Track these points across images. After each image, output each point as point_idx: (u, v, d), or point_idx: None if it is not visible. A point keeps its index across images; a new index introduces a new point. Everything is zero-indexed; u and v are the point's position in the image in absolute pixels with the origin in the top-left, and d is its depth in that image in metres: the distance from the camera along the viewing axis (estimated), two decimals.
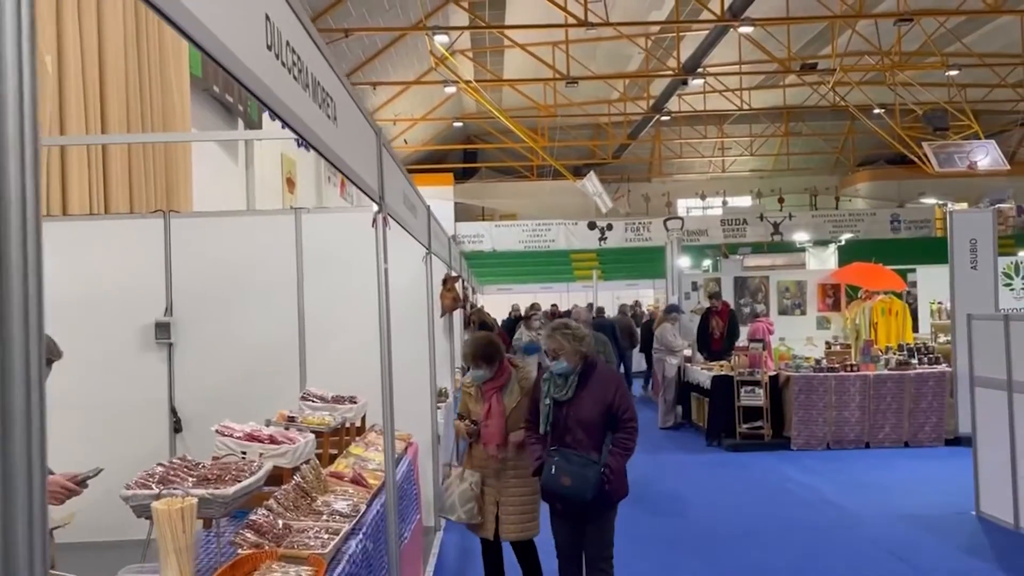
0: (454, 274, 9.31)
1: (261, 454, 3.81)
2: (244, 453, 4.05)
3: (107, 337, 6.32)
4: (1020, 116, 28.26)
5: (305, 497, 3.75)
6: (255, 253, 6.53)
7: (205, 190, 10.57)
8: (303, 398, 5.56)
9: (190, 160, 9.53)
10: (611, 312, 19.94)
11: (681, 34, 21.93)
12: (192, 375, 6.39)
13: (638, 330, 15.83)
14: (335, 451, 5.03)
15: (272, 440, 3.93)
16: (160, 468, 3.30)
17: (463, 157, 35.92)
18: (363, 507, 3.82)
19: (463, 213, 34.94)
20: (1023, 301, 11.50)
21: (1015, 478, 6.57)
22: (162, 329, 6.32)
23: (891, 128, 25.11)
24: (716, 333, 11.40)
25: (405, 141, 30.61)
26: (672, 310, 12.00)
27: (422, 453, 6.31)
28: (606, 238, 33.75)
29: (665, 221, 33.47)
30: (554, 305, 20.61)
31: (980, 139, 22.88)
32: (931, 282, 13.59)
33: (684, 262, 26.73)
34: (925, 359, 10.30)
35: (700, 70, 21.79)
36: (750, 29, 19.26)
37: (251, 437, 3.91)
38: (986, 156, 21.70)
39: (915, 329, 12.84)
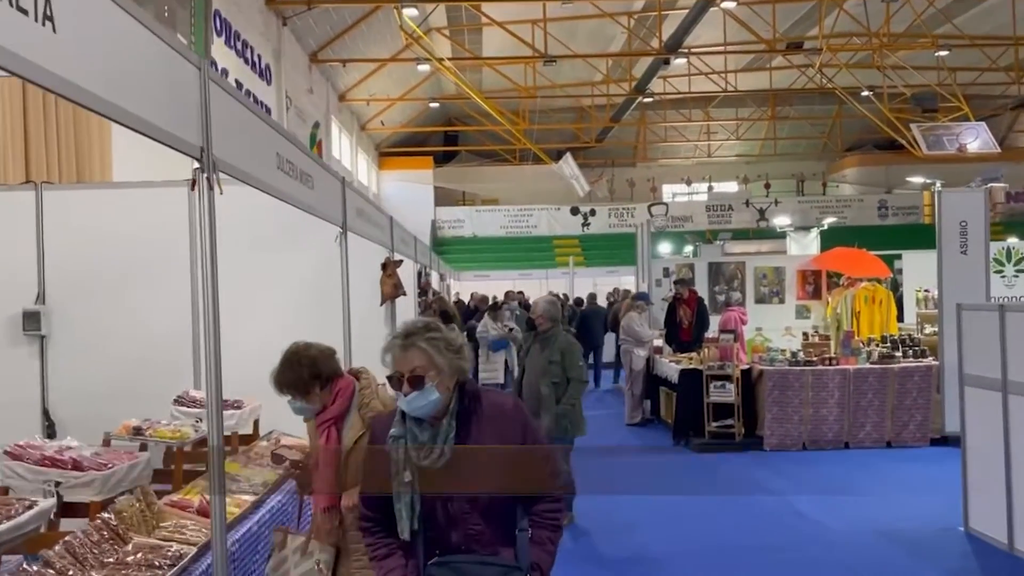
0: (397, 258, 8.50)
1: (58, 483, 2.99)
2: (59, 484, 3.23)
3: None
4: (1011, 100, 27.52)
5: (114, 540, 2.92)
6: (145, 231, 5.68)
7: (139, 162, 9.59)
8: (177, 401, 4.75)
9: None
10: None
11: (664, 13, 21.08)
12: (68, 373, 5.56)
13: None
14: (204, 467, 4.23)
15: (76, 465, 3.09)
16: None
17: (444, 140, 35.02)
18: (194, 551, 3.00)
19: (443, 197, 34.15)
20: (1014, 289, 10.78)
21: (1009, 492, 5.78)
22: (31, 319, 5.47)
23: (879, 112, 24.36)
24: (684, 323, 10.61)
25: (382, 123, 29.69)
26: (640, 298, 11.18)
27: None
28: (589, 224, 33.14)
29: (649, 207, 32.80)
30: (520, 292, 19.57)
31: (970, 121, 22.14)
32: (918, 269, 12.81)
33: (665, 248, 26.06)
34: (910, 352, 9.54)
35: (683, 49, 21.02)
36: (732, 5, 18.51)
37: (50, 461, 3.08)
38: (976, 139, 20.97)
39: (900, 319, 12.08)
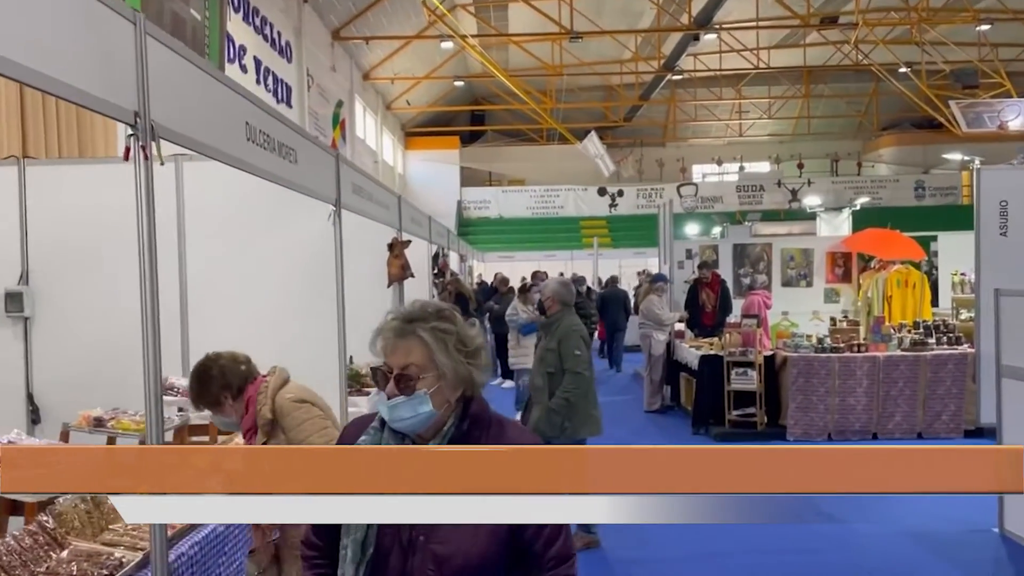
0: (406, 237, 8.21)
1: None
2: None
3: None
4: None
5: (50, 546, 2.67)
6: (128, 208, 5.42)
7: None
8: None
9: None
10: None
11: None
12: (54, 356, 5.34)
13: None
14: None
15: None
16: None
17: (470, 119, 34.65)
18: (139, 556, 2.74)
19: (470, 178, 33.89)
20: None
21: None
22: (14, 300, 5.26)
23: (917, 89, 23.59)
24: (707, 307, 10.20)
25: (408, 102, 29.40)
26: (658, 280, 10.77)
27: None
28: (617, 204, 32.65)
29: (678, 187, 32.22)
30: (545, 273, 19.09)
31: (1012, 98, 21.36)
32: (954, 251, 12.26)
33: (693, 229, 25.55)
34: (944, 339, 9.08)
35: (714, 25, 20.47)
36: None
37: None
38: (1018, 116, 20.20)
39: (934, 304, 11.56)
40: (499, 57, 26.21)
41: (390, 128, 29.14)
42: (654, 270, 21.99)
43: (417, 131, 32.71)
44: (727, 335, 9.01)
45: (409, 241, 8.12)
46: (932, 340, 9.02)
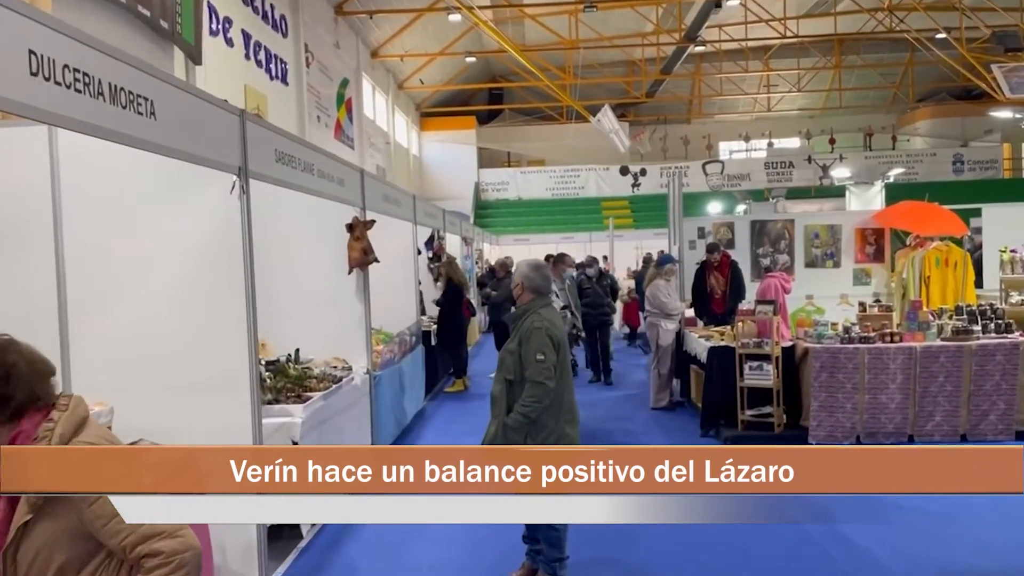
0: (369, 217, 7.26)
1: None
2: None
3: None
4: None
5: None
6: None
7: None
8: None
9: None
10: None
11: None
12: None
13: None
14: None
15: None
16: None
17: (488, 98, 33.66)
18: None
19: (489, 159, 33.05)
20: None
21: None
22: None
23: (956, 56, 22.16)
24: (716, 292, 9.12)
25: (421, 81, 28.42)
26: (665, 262, 9.65)
27: None
28: (640, 184, 31.68)
29: (704, 165, 31.15)
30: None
31: None
32: (1001, 225, 11.03)
33: (716, 208, 24.41)
34: (991, 325, 7.93)
35: None
36: None
37: None
38: None
39: (979, 285, 10.37)
40: (515, 32, 25.16)
41: (403, 108, 28.19)
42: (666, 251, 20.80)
43: (432, 111, 31.79)
44: (740, 324, 7.94)
45: (372, 221, 7.18)
46: (977, 327, 7.88)
